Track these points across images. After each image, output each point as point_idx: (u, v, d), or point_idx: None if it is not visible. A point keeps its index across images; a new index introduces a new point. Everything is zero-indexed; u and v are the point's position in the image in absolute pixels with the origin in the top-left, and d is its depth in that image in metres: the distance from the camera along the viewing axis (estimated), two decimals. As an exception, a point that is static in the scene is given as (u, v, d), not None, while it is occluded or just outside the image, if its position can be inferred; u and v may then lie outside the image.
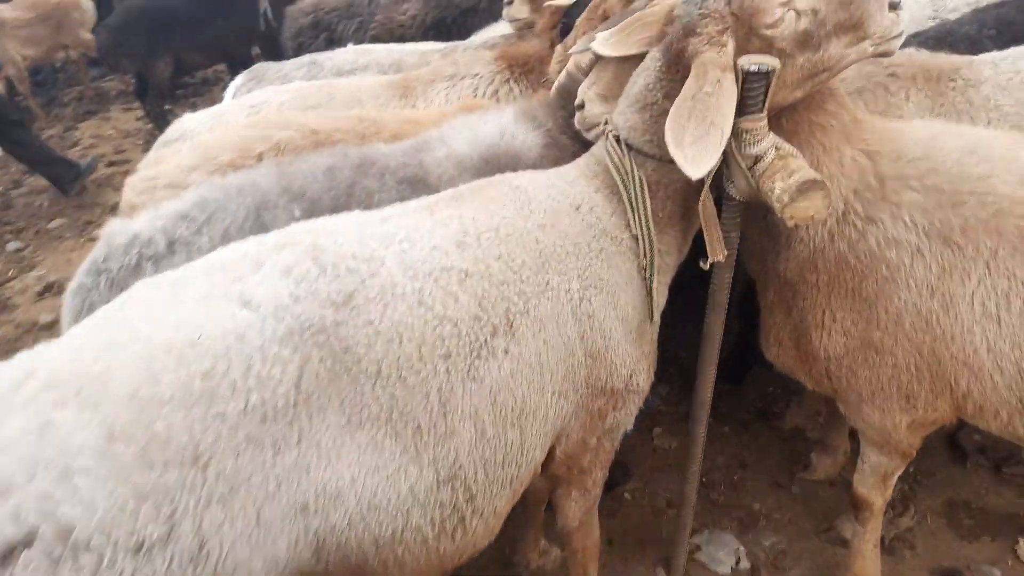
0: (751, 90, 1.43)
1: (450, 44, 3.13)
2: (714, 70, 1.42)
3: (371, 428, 1.32)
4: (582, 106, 1.81)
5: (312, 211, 1.84)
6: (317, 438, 1.26)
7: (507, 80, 2.61)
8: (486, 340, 1.43)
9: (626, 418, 1.73)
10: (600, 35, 1.71)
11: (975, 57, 1.99)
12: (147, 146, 5.04)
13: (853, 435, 2.16)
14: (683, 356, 3.17)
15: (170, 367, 1.15)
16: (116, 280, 1.68)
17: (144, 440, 1.10)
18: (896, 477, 1.91)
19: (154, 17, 5.90)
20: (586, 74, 1.95)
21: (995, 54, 1.99)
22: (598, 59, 1.77)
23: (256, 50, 6.75)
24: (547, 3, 2.58)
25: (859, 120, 1.67)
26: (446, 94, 2.60)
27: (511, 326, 1.47)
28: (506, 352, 1.45)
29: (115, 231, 1.76)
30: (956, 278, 1.56)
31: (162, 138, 2.57)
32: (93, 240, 2.94)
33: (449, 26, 3.67)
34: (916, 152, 1.62)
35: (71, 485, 1.04)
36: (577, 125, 1.83)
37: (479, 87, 2.62)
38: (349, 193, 1.90)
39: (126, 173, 2.69)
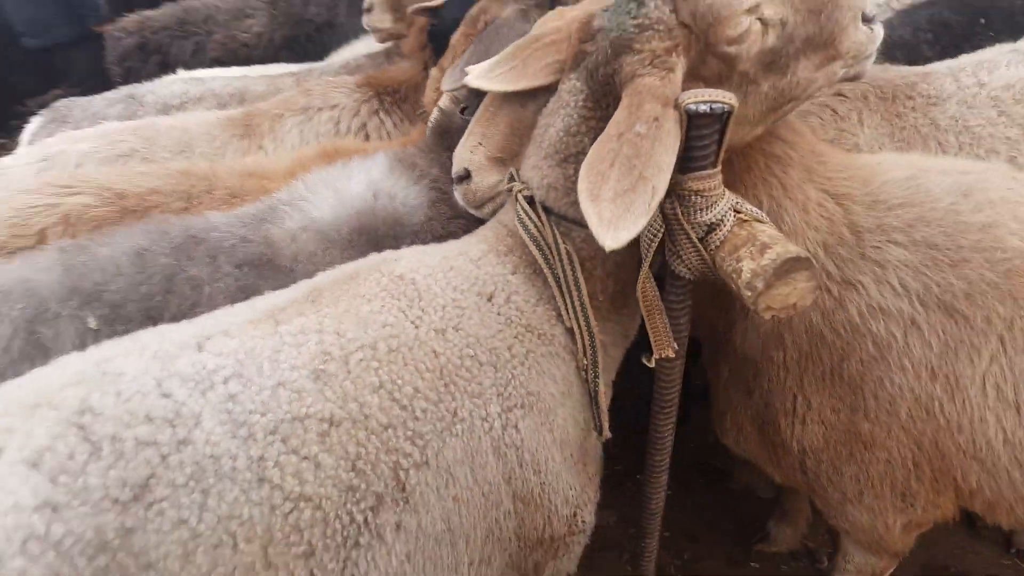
0: (700, 137, 1.05)
1: (304, 66, 2.62)
2: (652, 103, 1.02)
3: None
4: (466, 176, 1.37)
5: (113, 319, 1.34)
6: None
7: (375, 111, 2.14)
8: (366, 519, 1.00)
9: (569, 564, 1.32)
10: (478, 66, 1.29)
11: (928, 68, 1.71)
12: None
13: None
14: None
15: None
16: None
17: None
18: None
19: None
20: (465, 107, 1.53)
21: (949, 64, 1.70)
22: (480, 99, 1.34)
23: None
24: (413, 6, 2.12)
25: (820, 152, 1.33)
26: (300, 131, 2.11)
27: (403, 490, 1.03)
28: (398, 528, 1.02)
29: None
30: (963, 356, 1.24)
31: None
32: None
33: (303, 44, 3.16)
34: (897, 196, 1.29)
35: None
36: (461, 202, 1.39)
37: (341, 120, 2.14)
38: (168, 288, 1.41)
39: None
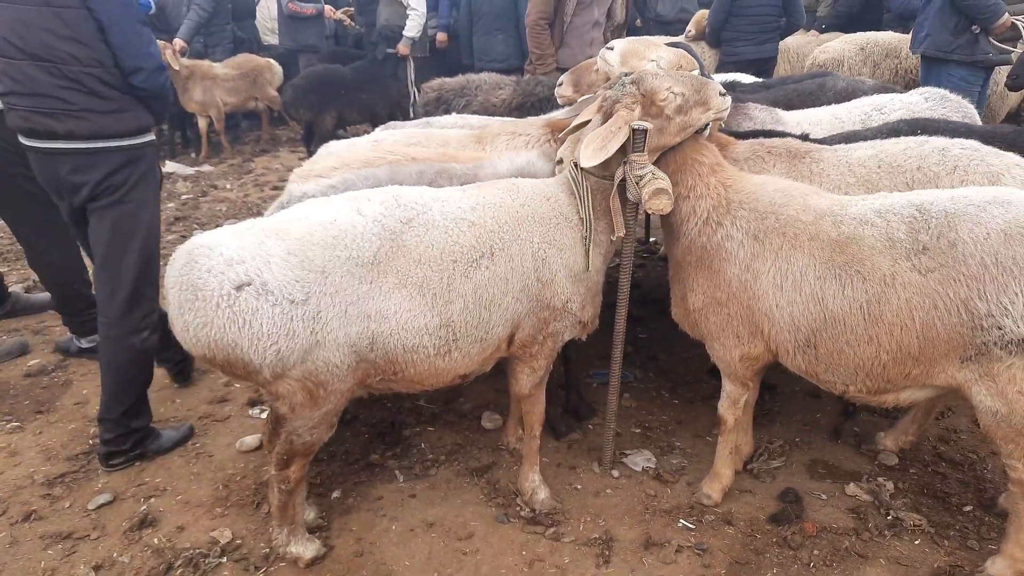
0: (637, 139, 2.61)
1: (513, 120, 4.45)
2: (620, 120, 2.61)
3: (410, 288, 2.50)
4: (561, 161, 3.02)
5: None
6: (381, 284, 2.46)
7: (548, 139, 3.86)
8: (477, 259, 2.61)
9: (563, 329, 2.84)
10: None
11: (823, 146, 3.09)
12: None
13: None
14: (660, 358, 4.24)
15: (319, 229, 2.41)
16: (291, 210, 3.00)
17: (302, 257, 2.35)
18: (743, 402, 2.89)
19: (327, 81, 7.75)
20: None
21: (839, 146, 3.08)
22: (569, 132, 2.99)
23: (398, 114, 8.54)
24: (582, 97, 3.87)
25: (721, 163, 2.80)
26: (506, 144, 3.89)
27: (492, 255, 2.64)
28: (487, 268, 2.62)
29: (293, 189, 3.10)
30: (760, 260, 2.62)
31: (319, 151, 3.98)
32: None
33: (528, 109, 5.01)
34: (749, 190, 2.72)
35: (269, 267, 2.30)
36: (555, 172, 3.04)
37: (529, 142, 3.89)
38: (430, 186, 3.18)
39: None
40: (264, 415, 3.78)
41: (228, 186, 8.33)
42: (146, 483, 3.25)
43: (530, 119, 4.27)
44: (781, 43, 7.71)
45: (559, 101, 4.19)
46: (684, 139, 2.75)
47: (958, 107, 3.86)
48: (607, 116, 2.69)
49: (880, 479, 3.10)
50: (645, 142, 2.61)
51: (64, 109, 2.96)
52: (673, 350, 4.28)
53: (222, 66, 9.30)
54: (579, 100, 3.72)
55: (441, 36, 9.13)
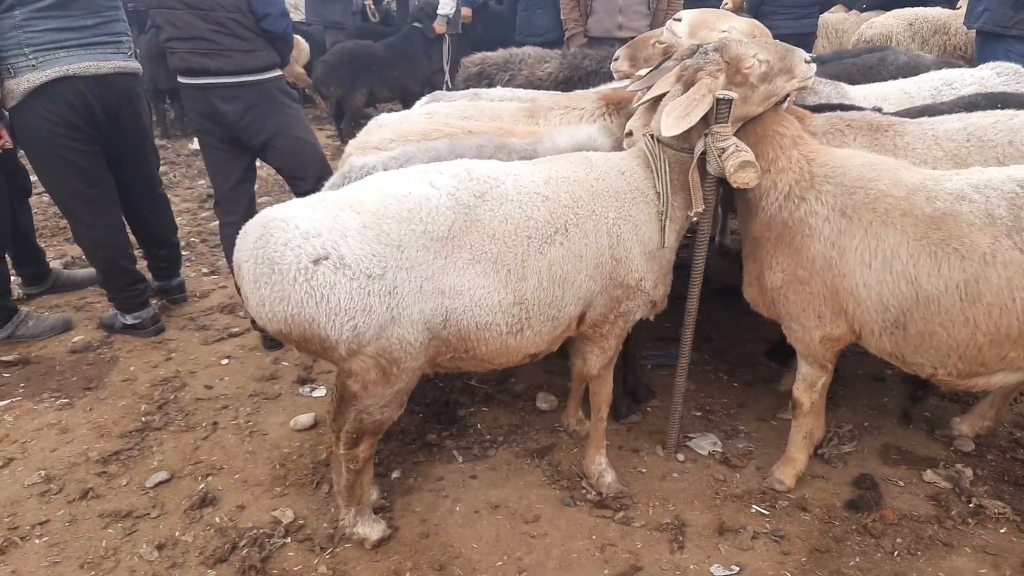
0: (721, 109, 2.50)
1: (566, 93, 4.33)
2: (704, 88, 2.49)
3: (484, 264, 2.41)
4: (630, 134, 2.90)
5: (464, 168, 3.04)
6: (455, 259, 2.37)
7: (603, 114, 3.75)
8: (551, 235, 2.51)
9: (635, 308, 2.75)
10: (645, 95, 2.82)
11: (905, 119, 2.96)
12: (335, 158, 6.61)
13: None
14: (714, 338, 4.14)
15: (394, 202, 2.32)
16: (353, 183, 2.91)
17: (378, 231, 2.26)
18: (820, 385, 2.80)
19: (358, 57, 7.63)
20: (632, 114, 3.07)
21: (923, 118, 2.94)
22: (641, 104, 2.87)
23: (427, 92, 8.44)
24: (638, 72, 3.75)
25: (803, 136, 2.68)
26: (560, 118, 3.78)
27: (567, 231, 2.54)
28: (561, 244, 2.52)
29: (354, 161, 3.01)
30: (847, 237, 2.51)
31: (370, 123, 3.88)
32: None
33: (575, 83, 4.88)
34: (834, 163, 2.60)
35: (345, 240, 2.22)
36: (624, 145, 2.91)
37: (584, 116, 3.77)
38: (490, 159, 3.08)
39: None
40: (315, 393, 3.73)
41: (256, 163, 8.24)
42: (202, 461, 3.20)
43: (582, 92, 4.15)
44: (820, 19, 7.52)
45: (615, 76, 4.06)
46: (766, 110, 2.63)
47: (1033, 81, 3.70)
48: (688, 85, 2.57)
49: (958, 465, 3.00)
50: (730, 112, 2.50)
51: (215, 49, 3.64)
52: (725, 331, 4.19)
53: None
54: (637, 74, 3.60)
55: (465, 11, 8.96)
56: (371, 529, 2.69)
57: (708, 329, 4.16)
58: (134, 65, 4.07)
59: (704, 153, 2.57)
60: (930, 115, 3.14)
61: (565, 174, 2.61)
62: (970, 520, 2.73)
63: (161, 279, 4.73)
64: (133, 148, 4.19)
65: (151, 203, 4.50)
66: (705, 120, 2.54)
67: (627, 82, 4.20)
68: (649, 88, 2.82)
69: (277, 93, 3.93)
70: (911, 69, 4.28)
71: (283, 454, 3.24)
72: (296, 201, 2.41)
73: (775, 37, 6.91)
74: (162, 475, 3.09)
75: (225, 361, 4.06)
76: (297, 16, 10.89)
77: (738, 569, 2.55)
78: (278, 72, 3.97)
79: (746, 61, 2.52)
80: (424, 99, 4.44)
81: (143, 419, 3.50)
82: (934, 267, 2.35)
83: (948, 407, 3.47)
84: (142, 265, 4.61)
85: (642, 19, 6.13)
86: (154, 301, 4.57)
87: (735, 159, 2.46)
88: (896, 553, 2.60)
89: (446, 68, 7.16)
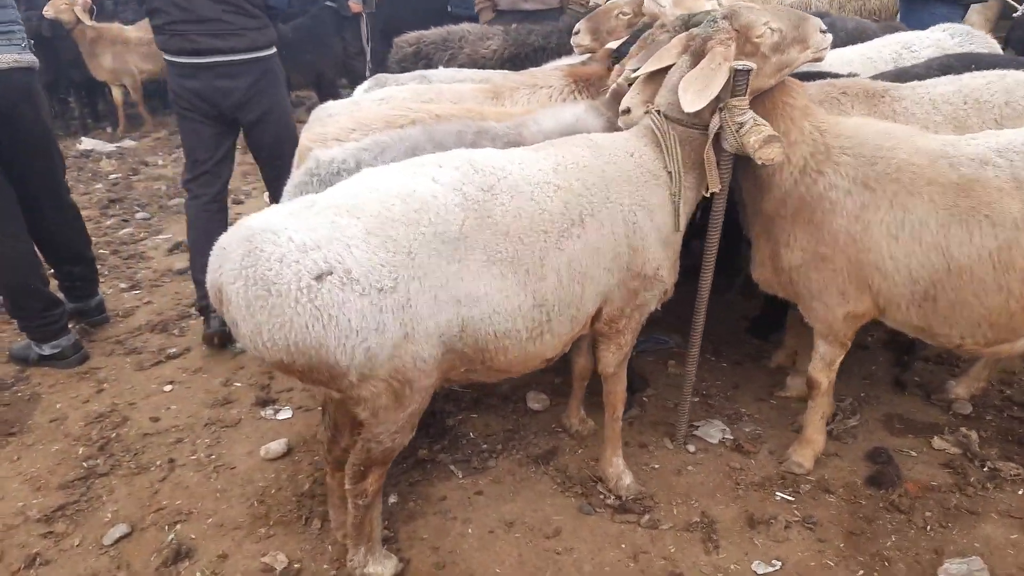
0: (739, 80, 2.33)
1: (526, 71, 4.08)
2: (719, 57, 2.31)
3: (500, 265, 2.15)
4: (628, 111, 2.69)
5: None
6: (469, 263, 2.10)
7: (573, 91, 3.52)
8: (567, 227, 2.28)
9: (652, 299, 2.57)
10: (642, 67, 2.61)
11: (899, 84, 2.89)
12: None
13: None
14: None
15: (397, 203, 2.02)
16: (323, 180, 2.56)
17: (384, 237, 1.96)
18: (837, 364, 2.71)
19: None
20: (629, 87, 2.86)
21: (915, 82, 2.89)
22: (639, 78, 2.67)
23: (343, 80, 7.92)
24: (606, 45, 3.54)
25: (812, 107, 2.56)
26: (527, 99, 3.53)
27: (583, 222, 2.31)
28: (579, 237, 2.30)
29: (319, 156, 2.66)
30: (871, 210, 2.40)
31: (315, 113, 3.49)
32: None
33: (522, 60, 4.63)
34: (848, 133, 2.49)
35: (349, 251, 1.91)
36: (620, 124, 2.69)
37: (552, 95, 3.54)
38: (472, 147, 2.80)
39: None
40: (280, 415, 3.37)
41: (160, 162, 7.57)
42: (165, 507, 2.80)
43: (546, 69, 3.91)
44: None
45: (576, 51, 3.84)
46: (777, 82, 2.49)
47: (984, 43, 3.75)
48: (698, 56, 2.39)
49: (963, 429, 3.00)
50: (747, 84, 2.33)
51: (227, 30, 3.57)
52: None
53: (135, 29, 8.36)
54: (606, 47, 3.39)
55: None
56: (383, 567, 2.40)
57: (688, 310, 4.04)
58: (29, 58, 3.52)
59: (719, 129, 2.40)
60: (903, 80, 3.09)
61: (574, 160, 2.38)
62: (988, 485, 2.73)
63: (77, 300, 4.16)
64: (36, 151, 3.64)
65: (60, 214, 3.94)
66: (718, 95, 2.36)
67: (584, 57, 4.01)
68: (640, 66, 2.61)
69: (277, 68, 3.91)
70: (858, 35, 4.28)
71: (259, 489, 2.89)
72: (278, 208, 2.08)
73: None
74: (121, 528, 2.67)
75: (168, 387, 3.62)
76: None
77: (780, 564, 2.44)
78: (274, 49, 3.91)
79: (757, 29, 2.35)
80: (366, 83, 4.07)
81: (84, 464, 3.04)
82: (966, 236, 2.28)
83: (935, 370, 3.50)
84: (53, 285, 4.04)
85: None
86: (71, 326, 4.02)
87: (757, 134, 2.30)
88: (928, 528, 2.55)
89: (367, 49, 6.72)
